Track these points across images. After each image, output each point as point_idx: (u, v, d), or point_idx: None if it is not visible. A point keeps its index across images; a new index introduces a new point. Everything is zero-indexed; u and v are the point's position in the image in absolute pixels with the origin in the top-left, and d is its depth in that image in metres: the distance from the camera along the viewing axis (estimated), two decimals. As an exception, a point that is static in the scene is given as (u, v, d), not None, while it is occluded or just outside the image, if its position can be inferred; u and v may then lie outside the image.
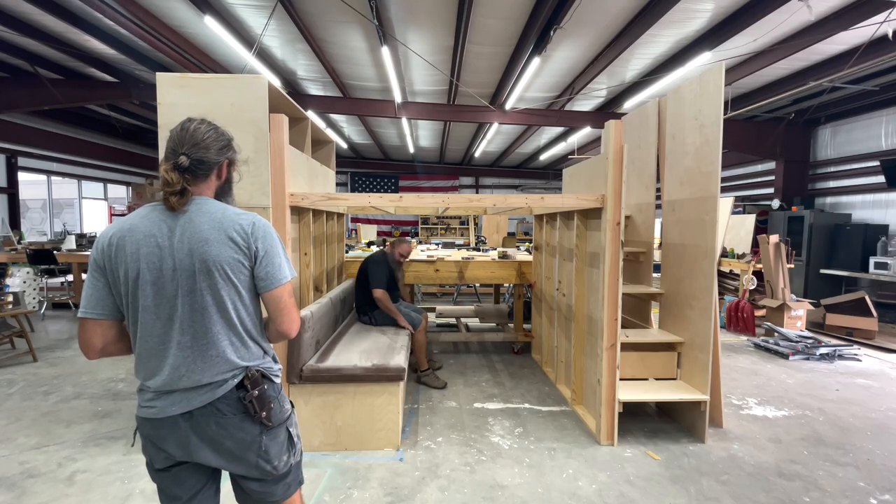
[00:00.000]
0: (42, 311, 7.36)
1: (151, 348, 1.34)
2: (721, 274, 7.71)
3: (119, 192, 14.15)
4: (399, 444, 3.16)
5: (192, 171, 1.37)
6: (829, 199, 9.32)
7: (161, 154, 2.71)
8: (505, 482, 2.76)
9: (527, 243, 10.21)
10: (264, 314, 1.48)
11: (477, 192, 16.96)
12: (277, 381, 1.48)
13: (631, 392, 3.33)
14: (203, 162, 1.38)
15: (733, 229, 7.85)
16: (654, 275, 4.12)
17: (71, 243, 8.46)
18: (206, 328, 1.34)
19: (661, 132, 3.84)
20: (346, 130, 12.28)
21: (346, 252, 6.34)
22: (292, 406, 1.56)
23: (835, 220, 8.54)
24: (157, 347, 1.34)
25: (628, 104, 8.49)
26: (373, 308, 4.38)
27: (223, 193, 1.49)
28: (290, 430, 1.50)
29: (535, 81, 7.65)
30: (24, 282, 7.30)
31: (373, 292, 4.30)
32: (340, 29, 5.99)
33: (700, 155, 3.26)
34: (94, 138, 11.17)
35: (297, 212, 3.63)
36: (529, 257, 5.90)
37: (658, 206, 3.95)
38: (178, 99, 2.79)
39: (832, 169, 9.23)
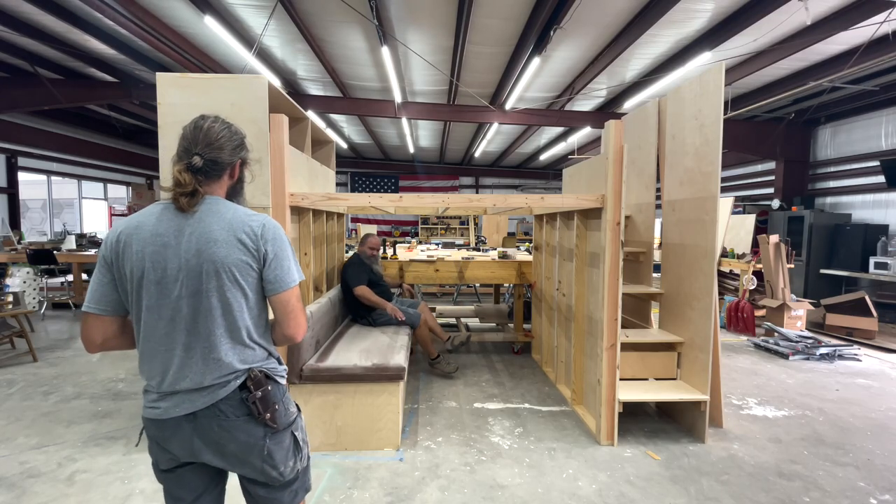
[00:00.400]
0: (42, 311, 7.36)
1: (154, 348, 1.33)
2: (721, 274, 7.71)
3: (119, 192, 14.16)
4: (399, 444, 3.16)
5: (204, 172, 1.35)
6: (829, 199, 9.32)
7: (161, 153, 2.75)
8: (505, 482, 2.77)
9: (527, 243, 10.21)
10: (270, 317, 1.46)
11: (477, 192, 16.96)
12: (282, 382, 1.46)
13: (631, 392, 3.33)
14: (216, 162, 1.37)
15: (733, 229, 7.85)
16: (654, 275, 4.12)
17: (71, 243, 8.46)
18: (209, 330, 1.32)
19: (661, 132, 3.84)
20: (346, 130, 12.28)
21: (346, 252, 6.34)
22: (299, 410, 1.52)
23: (835, 220, 8.54)
24: (160, 348, 1.33)
25: (628, 104, 8.49)
26: (367, 311, 4.39)
27: (235, 193, 1.47)
28: (297, 434, 1.46)
29: (535, 81, 7.65)
30: (24, 282, 7.30)
31: (353, 291, 4.30)
32: (340, 29, 6.00)
33: (700, 155, 3.26)
34: (94, 138, 11.16)
35: (297, 212, 3.63)
36: (529, 257, 5.90)
37: (658, 206, 3.95)
38: (178, 99, 2.79)
39: (832, 169, 9.23)
